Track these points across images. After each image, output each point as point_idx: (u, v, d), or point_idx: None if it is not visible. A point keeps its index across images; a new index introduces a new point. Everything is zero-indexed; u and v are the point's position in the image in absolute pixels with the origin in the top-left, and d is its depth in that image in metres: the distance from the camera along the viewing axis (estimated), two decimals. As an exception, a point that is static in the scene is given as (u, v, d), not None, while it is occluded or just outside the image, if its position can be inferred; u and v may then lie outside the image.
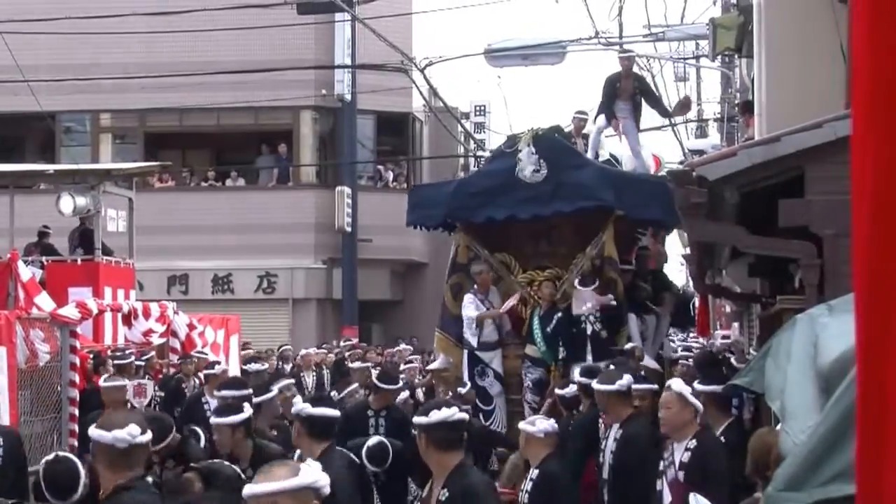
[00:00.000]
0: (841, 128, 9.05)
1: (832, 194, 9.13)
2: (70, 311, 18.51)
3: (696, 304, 23.77)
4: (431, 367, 19.20)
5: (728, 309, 31.88)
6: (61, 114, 35.10)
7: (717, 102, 32.92)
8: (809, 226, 9.94)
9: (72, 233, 25.59)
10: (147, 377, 18.87)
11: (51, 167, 27.04)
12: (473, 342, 17.65)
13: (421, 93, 36.73)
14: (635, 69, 21.53)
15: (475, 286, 17.80)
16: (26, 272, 20.55)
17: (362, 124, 40.47)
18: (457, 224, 18.58)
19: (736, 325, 32.70)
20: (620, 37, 28.34)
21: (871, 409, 1.48)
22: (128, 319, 21.89)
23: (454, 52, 37.69)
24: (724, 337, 30.03)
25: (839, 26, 13.08)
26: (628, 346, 16.85)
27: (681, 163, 21.64)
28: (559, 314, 17.06)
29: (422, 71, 32.56)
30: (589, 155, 20.06)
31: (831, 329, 4.78)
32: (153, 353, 21.18)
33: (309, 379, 25.38)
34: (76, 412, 16.33)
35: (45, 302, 18.89)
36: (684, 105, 20.67)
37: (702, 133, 33.62)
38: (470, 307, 17.62)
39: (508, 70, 42.89)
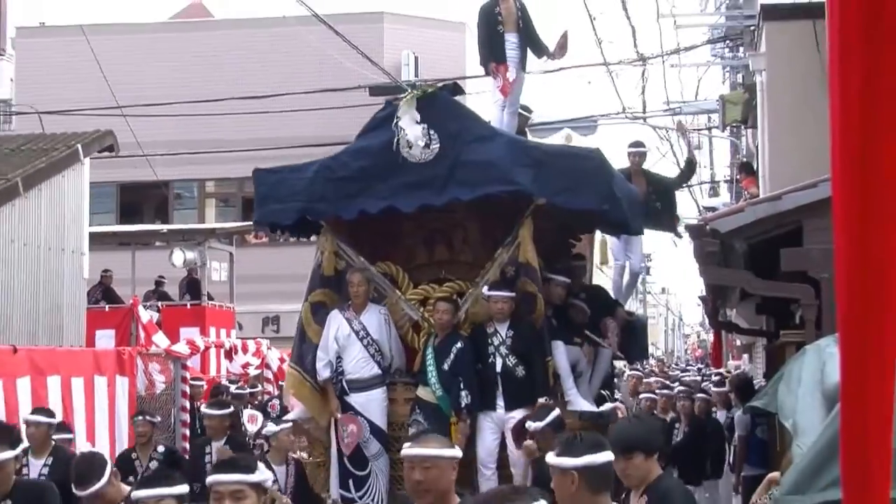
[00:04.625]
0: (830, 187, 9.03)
1: (827, 243, 9.10)
2: (181, 348, 18.68)
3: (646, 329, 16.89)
4: (289, 416, 11.78)
5: (738, 342, 31.62)
6: (173, 182, 35.33)
7: (727, 167, 32.79)
8: (808, 271, 9.92)
9: (182, 282, 25.92)
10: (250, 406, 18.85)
11: (165, 227, 27.24)
12: (325, 373, 10.85)
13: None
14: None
15: (348, 302, 10.99)
16: (145, 315, 20.78)
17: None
18: (321, 223, 11.46)
19: (746, 356, 32.56)
20: (644, 111, 28.21)
21: (854, 429, 1.47)
22: (229, 354, 22.01)
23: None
24: (735, 367, 29.86)
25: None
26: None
27: (697, 219, 21.02)
28: (459, 344, 10.50)
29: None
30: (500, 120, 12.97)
31: (836, 358, 4.77)
32: (259, 386, 21.12)
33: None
34: (187, 433, 16.41)
35: (160, 340, 19.05)
36: (562, 46, 13.42)
37: (714, 192, 33.55)
38: (330, 326, 10.93)
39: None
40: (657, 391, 21.06)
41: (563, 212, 11.02)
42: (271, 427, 11.67)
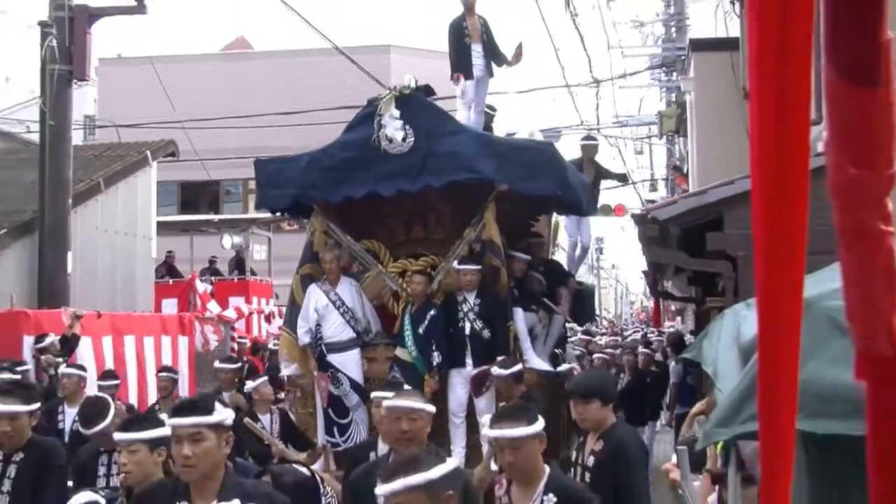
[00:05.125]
0: (746, 184, 9.07)
1: (742, 229, 9.18)
2: (230, 313, 18.85)
3: (596, 296, 15.03)
4: (285, 372, 11.16)
5: (673, 308, 31.67)
6: (223, 181, 35.26)
7: (664, 167, 32.76)
8: (727, 250, 9.92)
9: (230, 261, 25.93)
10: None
11: (216, 217, 27.19)
12: (306, 338, 10.40)
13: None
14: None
15: (324, 277, 10.58)
16: (201, 287, 20.78)
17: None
18: (312, 206, 10.98)
19: (679, 318, 32.62)
20: (598, 123, 28.26)
21: (767, 374, 1.51)
22: (268, 318, 22.15)
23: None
24: (670, 326, 29.96)
25: (743, 113, 13.11)
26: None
27: (640, 209, 21.10)
28: (433, 312, 10.13)
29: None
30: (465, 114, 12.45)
31: (749, 319, 4.80)
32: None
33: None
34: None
35: (213, 307, 19.12)
36: (517, 55, 12.96)
37: (653, 188, 33.55)
38: (309, 298, 10.50)
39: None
40: (605, 350, 21.19)
41: (523, 196, 10.44)
42: (250, 384, 11.18)
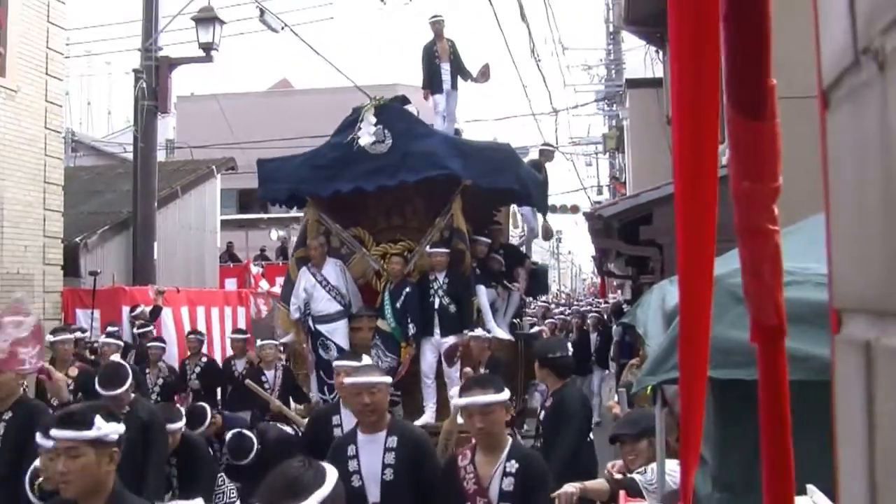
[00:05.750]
0: (669, 188, 9.08)
1: (667, 223, 9.18)
2: (277, 290, 18.68)
3: (547, 274, 14.41)
4: (283, 340, 10.50)
5: (615, 283, 31.70)
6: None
7: (608, 176, 32.77)
8: (656, 239, 9.93)
9: (276, 249, 25.86)
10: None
11: (265, 216, 27.11)
12: (295, 314, 9.70)
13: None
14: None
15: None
16: (254, 269, 20.73)
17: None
18: (307, 198, 10.24)
19: (619, 291, 32.62)
20: (556, 142, 28.26)
21: (686, 330, 1.52)
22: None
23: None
24: (613, 297, 29.96)
25: (667, 135, 13.12)
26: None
27: (590, 209, 21.11)
28: (408, 289, 9.43)
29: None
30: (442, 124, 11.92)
31: (671, 292, 4.80)
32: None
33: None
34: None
35: (264, 285, 19.04)
36: (483, 73, 12.22)
37: (600, 192, 33.54)
38: (300, 279, 9.76)
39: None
40: (559, 316, 21.37)
41: (485, 190, 9.70)
42: (258, 343, 10.63)
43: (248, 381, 9.20)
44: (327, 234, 10.01)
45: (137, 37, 15.95)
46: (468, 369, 8.34)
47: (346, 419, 5.75)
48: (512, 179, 9.77)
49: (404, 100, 10.30)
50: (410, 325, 9.29)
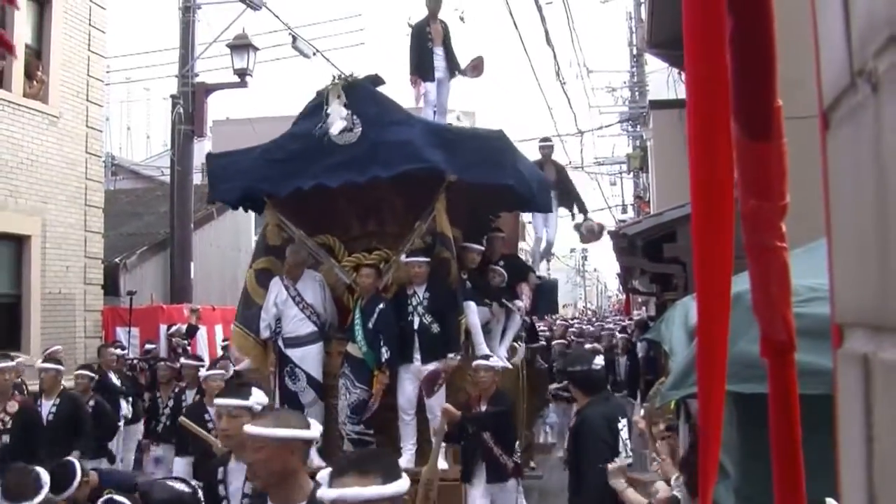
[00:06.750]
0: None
1: (690, 240, 9.17)
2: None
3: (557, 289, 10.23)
4: (238, 367, 8.28)
5: (640, 300, 31.60)
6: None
7: (632, 195, 32.75)
8: (679, 257, 9.88)
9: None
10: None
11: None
12: (265, 332, 7.98)
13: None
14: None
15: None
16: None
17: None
18: (265, 199, 8.39)
19: (644, 308, 32.44)
20: (582, 163, 28.25)
21: (704, 349, 1.52)
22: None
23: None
24: (637, 314, 29.79)
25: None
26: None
27: (615, 227, 20.90)
28: (381, 305, 7.67)
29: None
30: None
31: (694, 307, 4.81)
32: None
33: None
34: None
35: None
36: (475, 67, 10.38)
37: (624, 211, 33.53)
38: (271, 291, 8.02)
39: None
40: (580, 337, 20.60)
41: (478, 188, 7.95)
42: (203, 372, 8.69)
43: (182, 419, 7.05)
44: (289, 243, 8.30)
45: (175, 63, 16.17)
46: (448, 406, 6.62)
47: (235, 474, 4.13)
48: (507, 174, 7.89)
49: (377, 79, 8.36)
50: (384, 350, 7.57)
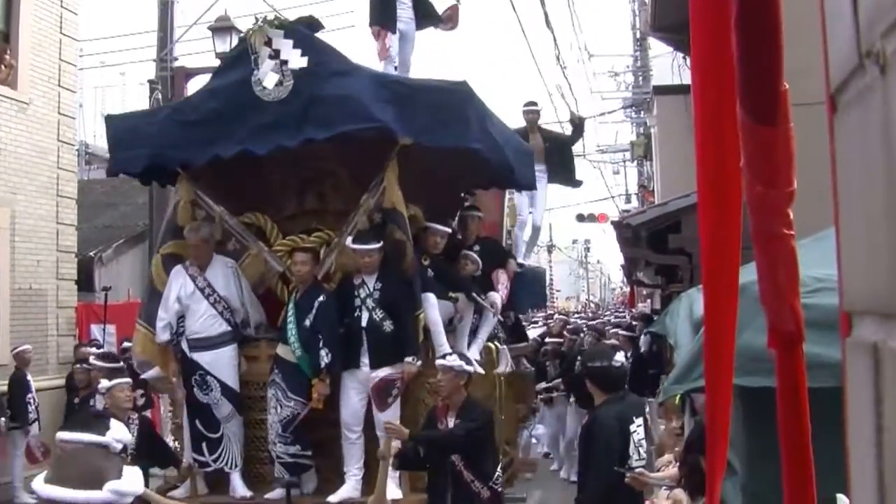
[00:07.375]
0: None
1: (696, 231, 9.18)
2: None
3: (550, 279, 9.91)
4: (145, 375, 7.16)
5: (644, 292, 31.71)
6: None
7: (636, 185, 32.90)
8: (685, 248, 9.94)
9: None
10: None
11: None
12: (164, 335, 6.74)
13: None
14: None
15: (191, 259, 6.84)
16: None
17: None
18: (178, 169, 7.00)
19: (648, 300, 32.55)
20: (584, 151, 28.37)
21: (711, 342, 1.55)
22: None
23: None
24: (643, 306, 29.88)
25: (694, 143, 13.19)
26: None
27: (618, 217, 20.90)
28: (321, 298, 6.51)
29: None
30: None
31: (699, 300, 4.84)
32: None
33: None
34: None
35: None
36: (450, 17, 8.56)
37: (628, 201, 33.68)
38: (171, 284, 6.78)
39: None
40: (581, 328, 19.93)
41: (441, 156, 6.73)
42: (105, 383, 6.99)
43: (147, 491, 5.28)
44: (208, 222, 7.06)
45: (152, 47, 16.12)
46: (392, 423, 5.92)
47: None
48: (472, 136, 6.56)
49: (313, 23, 7.10)
50: (324, 352, 6.43)
